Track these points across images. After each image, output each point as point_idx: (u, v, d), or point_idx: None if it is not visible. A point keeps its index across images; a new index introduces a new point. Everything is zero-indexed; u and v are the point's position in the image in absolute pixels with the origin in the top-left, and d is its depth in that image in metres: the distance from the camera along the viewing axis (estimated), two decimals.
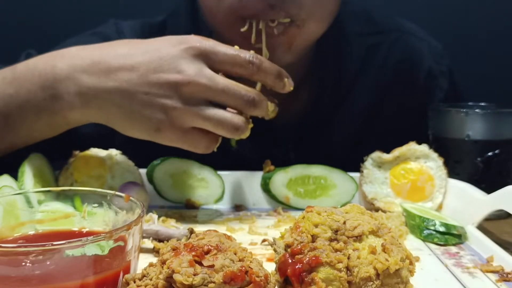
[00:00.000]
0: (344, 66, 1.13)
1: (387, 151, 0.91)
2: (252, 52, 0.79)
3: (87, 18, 1.19)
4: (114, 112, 0.78)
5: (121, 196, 0.60)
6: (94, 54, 0.79)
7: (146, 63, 0.76)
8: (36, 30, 1.58)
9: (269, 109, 0.82)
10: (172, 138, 0.79)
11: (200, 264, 0.47)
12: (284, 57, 0.94)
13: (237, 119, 0.78)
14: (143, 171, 0.92)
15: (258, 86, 0.82)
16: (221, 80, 0.77)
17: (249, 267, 0.48)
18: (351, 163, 0.92)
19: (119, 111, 0.77)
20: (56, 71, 0.78)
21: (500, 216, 0.86)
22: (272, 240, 0.56)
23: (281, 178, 0.92)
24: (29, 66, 0.82)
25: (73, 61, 0.78)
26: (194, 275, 0.46)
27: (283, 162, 0.96)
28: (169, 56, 0.76)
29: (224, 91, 0.76)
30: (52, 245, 0.46)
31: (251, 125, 0.82)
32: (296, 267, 0.51)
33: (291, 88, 0.84)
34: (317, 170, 0.93)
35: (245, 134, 0.81)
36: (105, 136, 0.94)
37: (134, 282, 0.49)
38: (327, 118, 1.14)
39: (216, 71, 0.77)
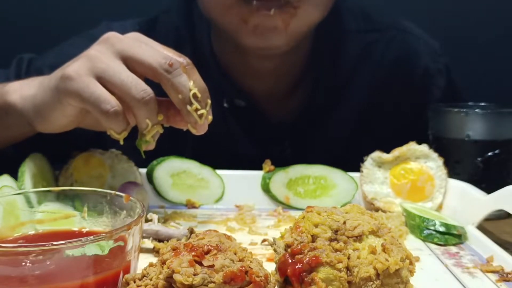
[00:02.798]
0: (340, 63, 1.14)
1: (386, 150, 0.91)
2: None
3: (86, 20, 1.19)
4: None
5: (121, 196, 0.60)
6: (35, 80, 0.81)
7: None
8: (32, 33, 1.58)
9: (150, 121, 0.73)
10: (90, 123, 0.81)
11: (200, 264, 0.47)
12: (280, 39, 0.95)
13: (109, 102, 0.70)
14: (143, 171, 0.92)
15: None
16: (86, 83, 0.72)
17: (249, 267, 0.48)
18: (349, 161, 0.92)
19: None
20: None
21: (500, 216, 0.86)
22: (272, 240, 0.56)
23: (281, 178, 0.92)
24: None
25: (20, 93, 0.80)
26: (194, 275, 0.46)
27: (280, 159, 0.96)
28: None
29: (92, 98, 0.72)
30: (52, 245, 0.46)
31: (129, 125, 0.73)
32: (296, 267, 0.51)
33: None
34: (317, 170, 0.93)
35: (150, 144, 0.75)
36: (105, 136, 0.94)
37: (134, 282, 0.49)
38: (323, 116, 1.15)
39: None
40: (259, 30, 0.94)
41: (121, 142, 0.74)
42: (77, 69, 0.72)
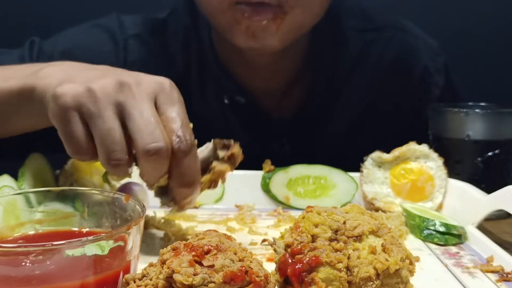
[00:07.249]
0: (339, 61, 1.14)
1: (386, 150, 0.91)
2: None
3: (90, 8, 1.18)
4: None
5: (121, 196, 0.60)
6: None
7: None
8: (40, 17, 1.57)
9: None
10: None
11: (200, 264, 0.47)
12: (272, 40, 0.95)
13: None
14: None
15: None
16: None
17: (249, 267, 0.48)
18: (349, 160, 0.92)
19: None
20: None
21: (500, 216, 0.86)
22: (272, 240, 0.56)
23: (281, 178, 0.92)
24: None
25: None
26: (194, 275, 0.46)
27: (279, 156, 0.96)
28: None
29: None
30: (52, 245, 0.46)
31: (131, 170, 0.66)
32: (296, 267, 0.51)
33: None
34: (317, 170, 0.93)
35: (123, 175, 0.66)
36: None
37: (134, 282, 0.49)
38: (321, 113, 1.15)
39: None
40: (250, 31, 0.94)
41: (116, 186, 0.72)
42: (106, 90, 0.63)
